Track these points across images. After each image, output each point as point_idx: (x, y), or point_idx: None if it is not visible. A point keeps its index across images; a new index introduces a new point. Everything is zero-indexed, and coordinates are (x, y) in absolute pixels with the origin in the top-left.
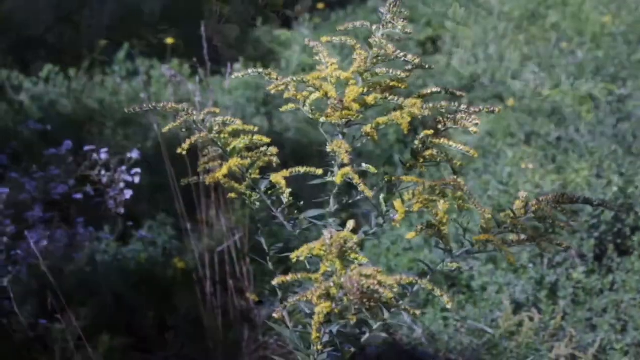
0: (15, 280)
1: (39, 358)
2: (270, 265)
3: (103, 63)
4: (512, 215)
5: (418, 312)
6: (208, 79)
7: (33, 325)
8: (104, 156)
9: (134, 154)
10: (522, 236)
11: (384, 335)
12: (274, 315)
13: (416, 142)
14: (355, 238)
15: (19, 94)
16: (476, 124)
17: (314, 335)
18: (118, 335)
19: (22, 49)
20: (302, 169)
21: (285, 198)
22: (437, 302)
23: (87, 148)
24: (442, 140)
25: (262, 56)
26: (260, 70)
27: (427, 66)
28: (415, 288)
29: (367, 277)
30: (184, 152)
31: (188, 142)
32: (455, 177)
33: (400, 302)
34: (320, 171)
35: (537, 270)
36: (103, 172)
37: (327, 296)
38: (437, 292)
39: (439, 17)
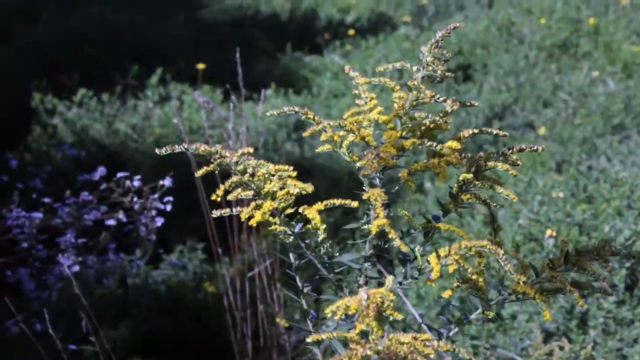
0: (47, 304)
1: None
2: (303, 304)
3: (135, 87)
4: (550, 265)
5: None
6: (241, 104)
7: (65, 348)
8: (136, 183)
9: (167, 182)
10: (559, 285)
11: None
12: None
13: (455, 185)
14: (392, 296)
15: (53, 117)
16: (518, 165)
17: None
18: (148, 357)
19: (56, 72)
20: (337, 201)
21: (320, 235)
22: (467, 330)
23: (120, 175)
24: (483, 183)
25: (293, 81)
26: (297, 108)
27: (465, 103)
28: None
29: (403, 344)
30: (218, 199)
31: (222, 187)
32: (491, 223)
33: None
34: (356, 204)
35: (567, 299)
36: (135, 199)
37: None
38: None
39: (469, 44)
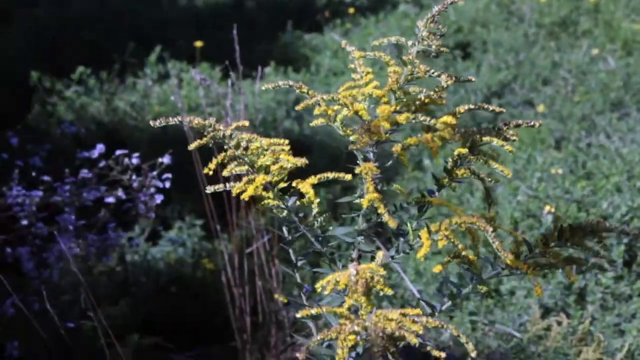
0: (46, 282)
1: (70, 356)
2: (297, 278)
3: (134, 66)
4: (544, 240)
5: (443, 355)
6: (239, 82)
7: (64, 325)
8: (135, 161)
9: (166, 159)
10: (553, 261)
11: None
12: (298, 355)
13: (449, 160)
14: (382, 271)
15: (52, 96)
16: (514, 140)
17: None
18: (147, 335)
19: (56, 54)
20: (330, 175)
21: (314, 209)
22: (465, 306)
23: (118, 152)
24: (478, 158)
25: (292, 60)
26: (292, 82)
27: (461, 79)
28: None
29: (391, 320)
30: (210, 172)
31: (215, 161)
32: (487, 199)
33: (428, 345)
34: (349, 176)
35: (565, 275)
36: (134, 176)
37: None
38: (463, 338)
39: (469, 22)
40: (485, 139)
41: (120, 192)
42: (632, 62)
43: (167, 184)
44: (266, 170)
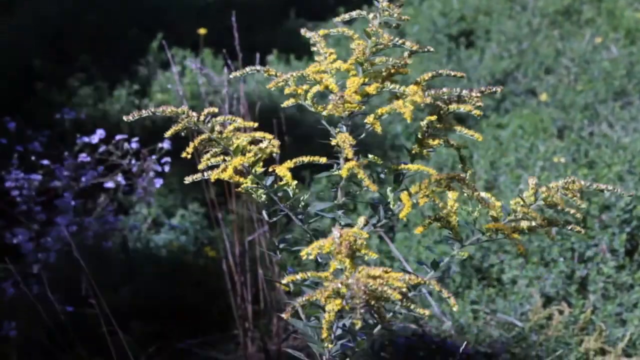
0: (45, 266)
1: (71, 343)
2: (278, 256)
3: (137, 52)
4: (522, 203)
5: (428, 312)
6: (239, 70)
7: (64, 310)
8: (134, 145)
9: (165, 144)
10: (533, 223)
11: (413, 326)
12: (282, 315)
13: (420, 127)
14: (365, 234)
15: (53, 82)
16: (479, 106)
17: (324, 334)
18: (149, 322)
19: (59, 40)
20: (306, 159)
21: (291, 191)
22: (467, 295)
23: (118, 137)
24: (445, 125)
25: (295, 48)
26: (259, 67)
27: (426, 49)
28: (424, 289)
29: (375, 277)
30: (188, 156)
31: (192, 145)
32: (462, 166)
33: (411, 303)
34: (324, 160)
35: (567, 264)
36: (133, 161)
37: (337, 294)
38: (445, 293)
39: (472, 10)
40: (452, 106)
41: (120, 177)
42: (635, 51)
43: (167, 168)
44: (242, 151)
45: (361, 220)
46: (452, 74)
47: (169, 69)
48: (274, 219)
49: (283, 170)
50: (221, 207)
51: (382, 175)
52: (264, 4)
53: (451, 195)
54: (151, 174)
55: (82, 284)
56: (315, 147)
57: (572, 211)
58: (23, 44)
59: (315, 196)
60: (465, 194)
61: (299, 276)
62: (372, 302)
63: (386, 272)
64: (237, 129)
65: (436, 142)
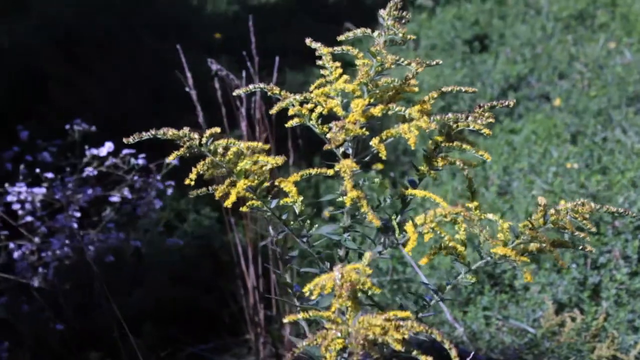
0: (45, 281)
1: (84, 348)
2: (287, 278)
3: (151, 54)
4: (530, 226)
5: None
6: (256, 73)
7: (78, 316)
8: (141, 162)
9: (174, 161)
10: (543, 245)
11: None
12: (287, 356)
13: (428, 146)
14: (369, 270)
15: (66, 88)
16: (489, 124)
17: None
18: (161, 326)
19: (71, 43)
20: (312, 171)
21: (297, 208)
22: (479, 301)
23: (125, 152)
24: (454, 143)
25: (308, 51)
26: (262, 85)
27: (434, 63)
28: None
29: (375, 326)
30: (192, 183)
31: (194, 170)
32: (470, 196)
33: (413, 350)
34: (331, 172)
35: (580, 270)
36: (136, 177)
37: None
38: (447, 345)
39: (486, 15)
40: (461, 124)
41: (126, 192)
42: None
43: (170, 191)
44: (246, 173)
45: (367, 256)
46: (464, 89)
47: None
48: (280, 235)
49: (288, 184)
50: (234, 211)
51: (387, 200)
52: (278, 9)
53: (460, 230)
54: (152, 193)
55: (94, 288)
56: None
57: (582, 235)
58: (35, 47)
59: (326, 204)
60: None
61: (300, 316)
62: (372, 353)
63: (388, 319)
64: (240, 153)
65: (443, 162)
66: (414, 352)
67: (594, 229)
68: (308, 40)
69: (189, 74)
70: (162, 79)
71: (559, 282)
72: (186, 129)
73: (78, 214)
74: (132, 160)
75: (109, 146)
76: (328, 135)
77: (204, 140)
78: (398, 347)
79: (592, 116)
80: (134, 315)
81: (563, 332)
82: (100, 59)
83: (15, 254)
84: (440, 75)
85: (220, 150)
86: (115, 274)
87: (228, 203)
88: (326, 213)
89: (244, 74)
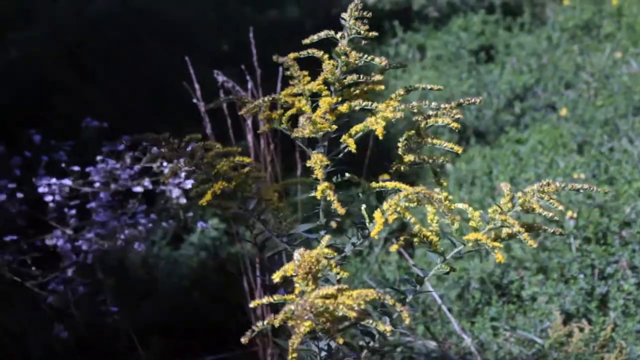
0: (80, 269)
1: (91, 357)
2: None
3: (159, 67)
4: (499, 210)
5: (388, 328)
6: (260, 85)
7: (88, 325)
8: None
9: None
10: (514, 229)
11: (432, 343)
12: (242, 340)
13: (399, 143)
14: (331, 252)
15: (72, 95)
16: (457, 119)
17: (290, 356)
18: (168, 337)
19: (79, 54)
20: (293, 181)
21: (280, 213)
22: (487, 312)
23: (146, 143)
24: (426, 139)
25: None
26: (231, 96)
27: (399, 64)
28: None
29: (328, 297)
30: (166, 182)
31: (168, 173)
32: (435, 180)
33: (370, 320)
34: (309, 180)
35: (587, 281)
36: (165, 163)
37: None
38: (398, 306)
39: (492, 26)
40: (431, 120)
41: (147, 182)
42: None
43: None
44: (224, 176)
45: (325, 239)
46: (429, 87)
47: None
48: (261, 239)
49: (270, 192)
50: (241, 222)
51: (360, 195)
52: (279, 21)
53: (430, 210)
54: (182, 174)
55: (103, 299)
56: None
57: (550, 214)
58: (43, 56)
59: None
60: (440, 209)
61: (264, 300)
62: (327, 323)
63: (341, 289)
64: (218, 155)
65: (411, 157)
66: (371, 322)
67: (561, 207)
68: (275, 57)
69: (196, 85)
70: (168, 89)
71: (566, 292)
72: (166, 134)
73: (106, 200)
74: (154, 149)
75: (126, 139)
76: (293, 135)
77: (182, 144)
78: (352, 314)
79: (598, 126)
80: (142, 327)
81: (571, 342)
82: (106, 68)
83: (54, 241)
84: (446, 85)
85: (198, 153)
86: (124, 285)
87: (203, 202)
88: (333, 224)
89: (249, 85)
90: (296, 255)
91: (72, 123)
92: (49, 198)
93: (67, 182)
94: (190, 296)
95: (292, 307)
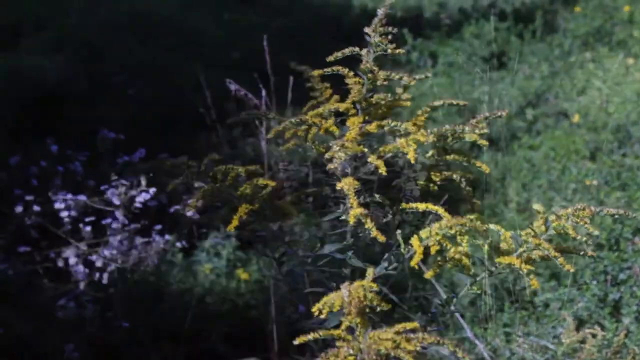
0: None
1: None
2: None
3: (171, 75)
4: (532, 233)
5: None
6: (272, 92)
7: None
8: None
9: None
10: (547, 252)
11: (445, 352)
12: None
13: (427, 162)
14: (374, 285)
15: (87, 102)
16: (483, 135)
17: None
18: (179, 344)
19: (92, 63)
20: (309, 190)
21: (298, 229)
22: (499, 318)
23: (161, 156)
24: (452, 156)
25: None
26: (256, 111)
27: (423, 76)
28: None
29: (386, 340)
30: (193, 209)
31: (193, 200)
32: (470, 205)
33: None
34: (327, 189)
35: (600, 287)
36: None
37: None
38: (459, 353)
39: (504, 33)
40: (457, 135)
41: (162, 196)
42: None
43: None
44: (247, 198)
45: (370, 271)
46: (455, 102)
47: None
48: (283, 258)
49: (287, 206)
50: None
51: (389, 216)
52: (297, 27)
53: (463, 242)
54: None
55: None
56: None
57: (584, 238)
58: (57, 65)
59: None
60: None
61: (310, 336)
62: None
63: (398, 332)
64: (239, 175)
65: (437, 175)
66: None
67: (596, 232)
68: (293, 64)
69: (207, 93)
70: (180, 97)
71: (579, 298)
72: (183, 157)
73: (118, 220)
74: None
75: (141, 152)
76: (327, 155)
77: (202, 167)
78: (411, 359)
79: (610, 132)
80: (153, 333)
81: (584, 348)
82: (119, 76)
83: (67, 258)
84: (458, 92)
85: (219, 176)
86: (137, 292)
87: (230, 228)
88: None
89: (263, 93)
90: (344, 291)
91: (86, 132)
92: (64, 214)
93: (82, 197)
94: (203, 302)
95: (351, 350)
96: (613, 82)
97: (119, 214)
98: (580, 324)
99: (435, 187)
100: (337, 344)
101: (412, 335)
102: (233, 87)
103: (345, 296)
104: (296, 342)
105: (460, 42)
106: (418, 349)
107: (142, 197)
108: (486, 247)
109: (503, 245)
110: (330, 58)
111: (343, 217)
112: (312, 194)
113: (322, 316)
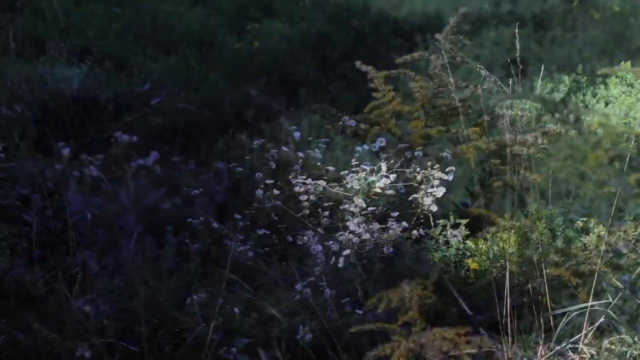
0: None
1: None
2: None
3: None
4: (583, 248)
5: None
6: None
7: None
8: (192, 167)
9: (220, 165)
10: (594, 267)
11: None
12: None
13: (483, 171)
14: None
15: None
16: (545, 148)
17: None
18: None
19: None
20: None
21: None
22: (517, 324)
23: (175, 159)
24: (507, 167)
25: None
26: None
27: (493, 79)
28: None
29: (448, 340)
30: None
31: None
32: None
33: None
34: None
35: (619, 295)
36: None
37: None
38: None
39: (523, 39)
40: (516, 147)
41: (177, 199)
42: None
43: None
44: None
45: (433, 275)
46: (510, 113)
47: None
48: None
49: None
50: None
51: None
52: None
53: (513, 238)
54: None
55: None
56: None
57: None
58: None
59: None
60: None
61: (366, 327)
62: None
63: (458, 334)
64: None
65: (494, 183)
66: None
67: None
68: (358, 63)
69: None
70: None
71: (597, 306)
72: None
73: (132, 223)
74: (183, 167)
75: (155, 155)
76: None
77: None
78: None
79: (631, 141)
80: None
81: (603, 357)
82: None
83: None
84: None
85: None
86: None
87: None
88: None
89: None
90: (405, 287)
91: (103, 135)
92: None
93: (96, 200)
94: None
95: (411, 345)
96: (631, 89)
97: (129, 216)
98: (599, 332)
99: (491, 195)
100: (393, 338)
101: (471, 338)
102: (253, 92)
103: (407, 292)
104: (352, 330)
105: (479, 49)
106: (475, 351)
107: (152, 197)
108: (535, 257)
109: (553, 257)
110: (399, 60)
111: None
112: None
113: (379, 310)
